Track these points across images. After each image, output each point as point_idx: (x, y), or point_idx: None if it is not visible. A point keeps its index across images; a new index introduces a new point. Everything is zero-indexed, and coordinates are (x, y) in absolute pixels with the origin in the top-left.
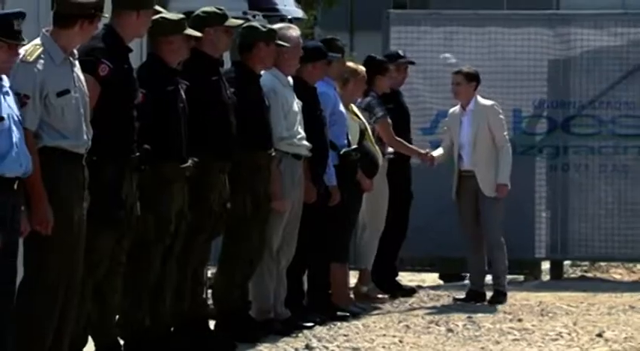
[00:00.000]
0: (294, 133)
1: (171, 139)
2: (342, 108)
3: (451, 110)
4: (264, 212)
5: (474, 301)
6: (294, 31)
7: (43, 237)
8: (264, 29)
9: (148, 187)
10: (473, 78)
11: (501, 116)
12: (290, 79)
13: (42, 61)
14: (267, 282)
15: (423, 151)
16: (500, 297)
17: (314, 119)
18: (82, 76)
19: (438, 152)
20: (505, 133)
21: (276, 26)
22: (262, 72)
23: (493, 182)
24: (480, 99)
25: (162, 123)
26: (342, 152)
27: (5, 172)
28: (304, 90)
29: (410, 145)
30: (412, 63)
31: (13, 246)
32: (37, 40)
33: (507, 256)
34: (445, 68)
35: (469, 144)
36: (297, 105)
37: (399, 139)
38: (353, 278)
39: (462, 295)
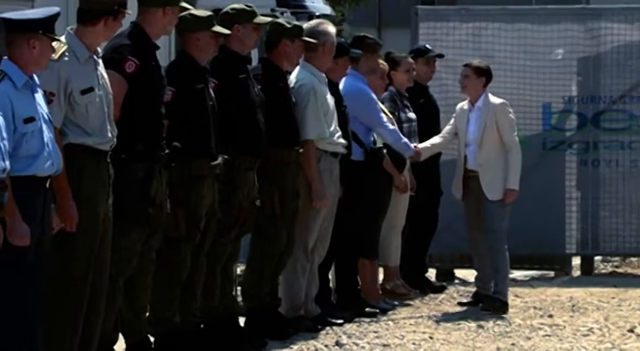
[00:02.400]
0: (333, 132)
1: (200, 137)
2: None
3: (459, 105)
4: (292, 209)
5: (479, 304)
6: (330, 27)
7: (68, 233)
8: (289, 26)
9: (178, 185)
10: (483, 73)
11: (512, 116)
12: (324, 75)
13: (66, 59)
14: (299, 279)
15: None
16: (501, 307)
17: (338, 115)
18: (105, 75)
19: (432, 142)
20: (515, 134)
21: (312, 22)
22: (298, 69)
23: (498, 186)
24: (490, 96)
25: (192, 120)
26: (368, 149)
27: (38, 172)
28: (329, 86)
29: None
30: (441, 56)
31: (45, 244)
32: (62, 38)
33: (538, 252)
34: None
35: (475, 143)
36: (331, 102)
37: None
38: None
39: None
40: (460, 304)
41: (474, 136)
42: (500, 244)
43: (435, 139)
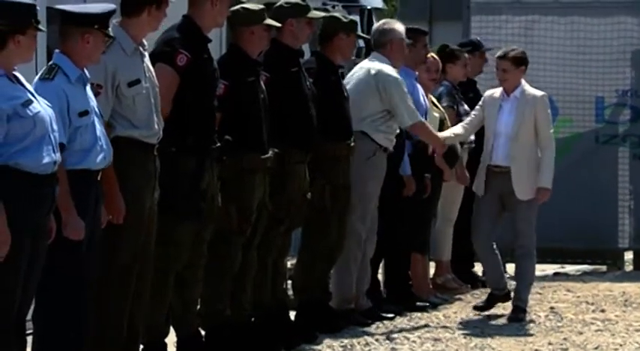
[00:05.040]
0: (393, 129)
1: (252, 130)
2: (421, 98)
3: (489, 92)
4: (342, 203)
5: (496, 305)
6: (398, 24)
7: (115, 225)
8: (345, 20)
9: (230, 178)
10: (521, 62)
11: (549, 110)
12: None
13: (113, 51)
14: (351, 271)
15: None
16: (519, 314)
17: None
18: (151, 67)
19: (454, 131)
20: (552, 130)
21: (380, 22)
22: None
23: (529, 183)
24: (527, 86)
25: (243, 114)
26: (417, 141)
27: (91, 165)
28: None
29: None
30: (490, 50)
31: (96, 237)
32: (111, 34)
33: (590, 246)
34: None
35: (507, 135)
36: None
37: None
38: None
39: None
40: (475, 308)
41: (507, 127)
42: (531, 245)
43: (458, 129)
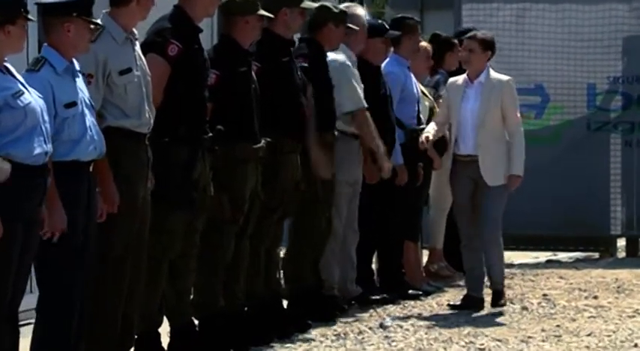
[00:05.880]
0: None
1: (243, 120)
2: (413, 87)
3: (452, 80)
4: (329, 192)
5: (471, 308)
6: (361, 10)
7: (109, 215)
8: (336, 10)
9: (222, 168)
10: (488, 46)
11: (516, 95)
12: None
13: (103, 40)
14: (329, 260)
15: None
16: (499, 298)
17: (377, 98)
18: (142, 56)
19: (431, 132)
20: (519, 114)
21: (342, 5)
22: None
23: (499, 170)
24: (492, 72)
25: (235, 104)
26: (409, 131)
27: (81, 156)
28: (367, 69)
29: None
30: None
31: (91, 229)
32: (97, 21)
33: (582, 233)
34: (517, 46)
35: (473, 123)
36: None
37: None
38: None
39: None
40: (450, 306)
41: (473, 115)
42: (497, 232)
43: (432, 126)
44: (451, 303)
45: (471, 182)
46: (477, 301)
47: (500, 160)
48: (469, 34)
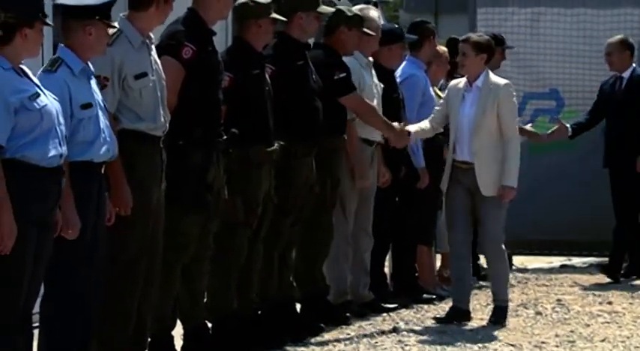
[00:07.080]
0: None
1: (257, 123)
2: (430, 90)
3: (453, 82)
4: (336, 196)
5: (457, 321)
6: (374, 12)
7: (122, 217)
8: (349, 14)
9: (236, 171)
10: (483, 49)
11: (515, 100)
12: (370, 60)
13: (120, 43)
14: (343, 267)
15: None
16: (501, 314)
17: (390, 102)
18: (158, 60)
19: (421, 126)
20: (516, 120)
21: (356, 7)
22: None
23: (495, 180)
24: (492, 75)
25: (249, 107)
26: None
27: (94, 157)
28: (381, 73)
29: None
30: (511, 48)
31: (100, 231)
32: (115, 24)
33: (597, 239)
34: (532, 50)
35: (469, 129)
36: (376, 88)
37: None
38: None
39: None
40: (435, 319)
41: (469, 120)
42: (500, 244)
43: (425, 123)
44: (437, 316)
45: (467, 193)
46: (462, 313)
47: (494, 170)
48: (463, 37)
